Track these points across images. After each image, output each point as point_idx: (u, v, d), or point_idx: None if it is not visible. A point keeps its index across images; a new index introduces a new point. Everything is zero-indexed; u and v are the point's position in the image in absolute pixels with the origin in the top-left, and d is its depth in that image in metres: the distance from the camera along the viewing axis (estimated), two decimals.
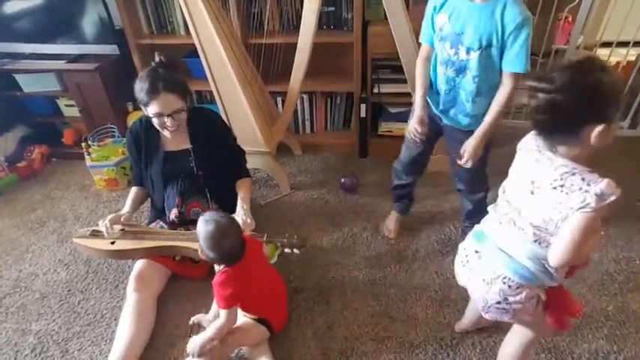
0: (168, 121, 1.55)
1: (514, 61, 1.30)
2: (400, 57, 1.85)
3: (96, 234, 1.67)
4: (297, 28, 1.91)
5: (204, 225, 1.30)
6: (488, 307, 1.08)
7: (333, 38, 2.28)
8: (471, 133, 1.48)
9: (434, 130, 1.60)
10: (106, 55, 2.40)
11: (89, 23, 2.34)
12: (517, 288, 1.02)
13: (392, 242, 1.88)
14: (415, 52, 1.79)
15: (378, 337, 1.50)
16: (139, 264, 1.62)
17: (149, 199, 1.84)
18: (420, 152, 1.69)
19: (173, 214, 1.69)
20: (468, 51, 1.34)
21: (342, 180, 2.23)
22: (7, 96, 2.53)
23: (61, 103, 2.60)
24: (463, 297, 1.62)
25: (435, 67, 1.50)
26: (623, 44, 2.37)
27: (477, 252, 1.10)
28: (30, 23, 2.42)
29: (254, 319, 1.42)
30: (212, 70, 1.96)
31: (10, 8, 2.36)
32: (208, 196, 1.73)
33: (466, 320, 1.47)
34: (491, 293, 1.05)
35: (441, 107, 1.53)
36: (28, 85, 2.49)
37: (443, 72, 1.45)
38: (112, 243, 1.62)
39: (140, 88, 1.53)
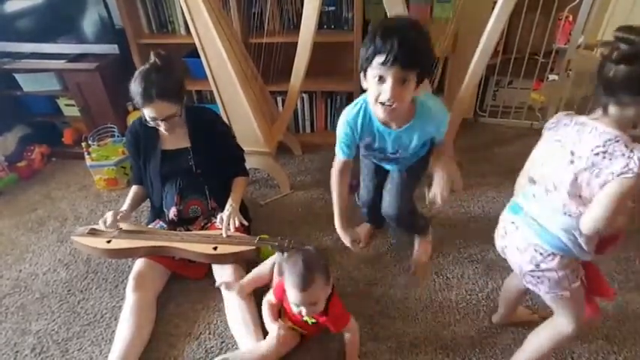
0: (162, 124, 1.57)
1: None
2: None
3: (94, 232, 1.67)
4: (297, 27, 1.91)
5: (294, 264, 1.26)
6: (524, 274, 1.12)
7: (333, 38, 2.28)
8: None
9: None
10: (107, 55, 2.40)
11: (89, 23, 2.34)
12: (548, 255, 1.05)
13: (392, 242, 1.88)
14: None
15: (378, 337, 1.50)
16: (139, 263, 1.61)
17: (149, 199, 1.83)
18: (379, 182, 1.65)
19: (172, 212, 1.69)
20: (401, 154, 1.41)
21: None
22: (7, 95, 2.53)
23: (61, 102, 2.60)
24: (463, 297, 1.62)
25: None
26: None
27: (512, 223, 1.13)
28: (30, 22, 2.41)
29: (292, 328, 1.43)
30: (212, 69, 1.95)
31: (10, 7, 2.36)
32: (207, 194, 1.73)
33: (501, 310, 1.49)
34: (524, 261, 1.09)
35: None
36: (28, 84, 2.49)
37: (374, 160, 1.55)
38: (109, 242, 1.62)
39: (135, 91, 1.52)
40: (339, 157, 1.41)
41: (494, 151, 2.48)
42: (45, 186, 2.47)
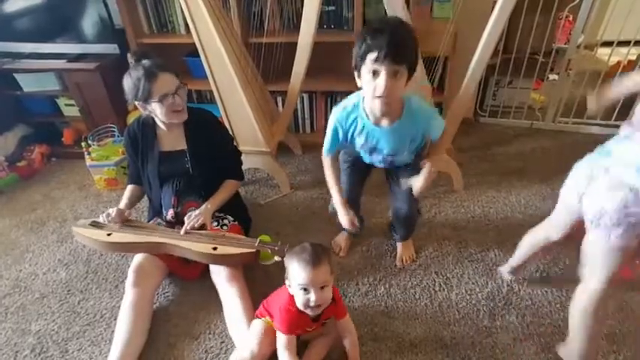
0: (176, 99, 1.55)
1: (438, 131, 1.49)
2: None
3: (95, 225, 1.67)
4: (297, 27, 1.91)
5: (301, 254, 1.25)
6: (602, 215, 1.09)
7: (333, 37, 2.28)
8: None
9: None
10: (107, 55, 2.40)
11: (89, 22, 2.34)
12: None
13: (392, 242, 1.88)
14: None
15: (378, 336, 1.50)
16: (139, 257, 1.61)
17: (148, 197, 1.83)
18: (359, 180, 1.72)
19: (169, 214, 1.69)
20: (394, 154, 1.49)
21: None
22: (7, 95, 2.54)
23: (61, 102, 2.60)
24: (463, 297, 1.62)
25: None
26: (624, 43, 2.37)
27: (605, 168, 1.12)
28: (30, 22, 2.42)
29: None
30: (212, 69, 1.95)
31: (10, 7, 2.37)
32: (204, 196, 1.71)
33: (516, 260, 1.57)
34: (612, 200, 1.07)
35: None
36: (28, 84, 2.50)
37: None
38: (109, 235, 1.62)
39: (136, 80, 1.51)
40: (326, 155, 1.55)
41: (494, 151, 2.48)
42: (45, 186, 2.47)
